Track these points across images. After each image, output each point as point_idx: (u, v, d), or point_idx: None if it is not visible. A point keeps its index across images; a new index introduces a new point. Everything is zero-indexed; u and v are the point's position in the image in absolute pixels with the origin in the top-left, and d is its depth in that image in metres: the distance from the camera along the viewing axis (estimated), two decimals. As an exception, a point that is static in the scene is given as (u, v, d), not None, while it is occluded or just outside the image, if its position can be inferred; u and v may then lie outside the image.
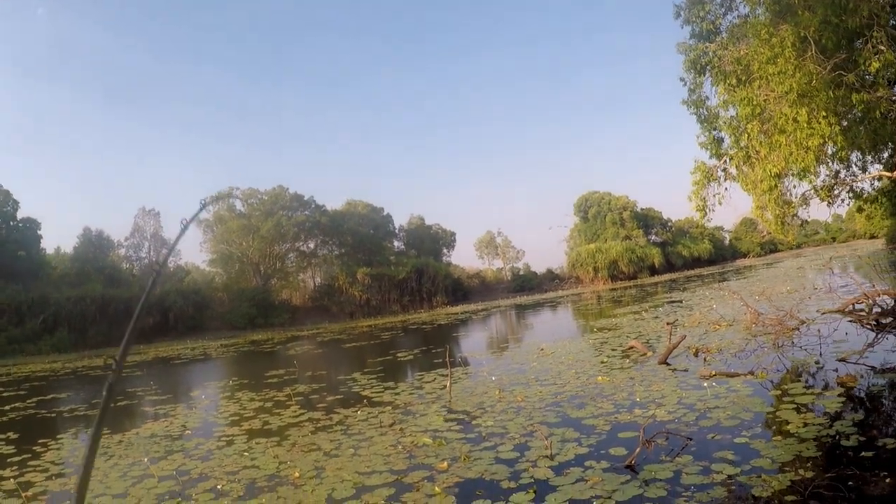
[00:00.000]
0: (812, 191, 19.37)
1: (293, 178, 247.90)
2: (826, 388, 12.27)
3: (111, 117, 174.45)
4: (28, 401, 24.63)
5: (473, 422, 13.30)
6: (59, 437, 16.56)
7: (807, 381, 13.17)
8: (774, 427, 10.08)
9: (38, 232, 76.37)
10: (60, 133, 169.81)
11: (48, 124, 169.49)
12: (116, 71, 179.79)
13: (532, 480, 8.96)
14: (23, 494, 10.69)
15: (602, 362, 19.38)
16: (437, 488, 9.03)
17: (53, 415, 20.95)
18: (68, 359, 51.44)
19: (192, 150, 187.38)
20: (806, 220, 20.95)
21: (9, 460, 13.86)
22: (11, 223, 73.39)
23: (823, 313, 21.25)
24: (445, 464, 10.23)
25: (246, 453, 12.54)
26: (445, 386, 17.41)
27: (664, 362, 17.67)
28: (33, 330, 62.26)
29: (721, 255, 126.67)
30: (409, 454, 11.14)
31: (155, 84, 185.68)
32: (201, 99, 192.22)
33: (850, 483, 7.25)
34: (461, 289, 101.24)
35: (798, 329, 19.28)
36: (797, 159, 15.65)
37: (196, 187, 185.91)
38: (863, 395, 11.73)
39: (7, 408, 22.84)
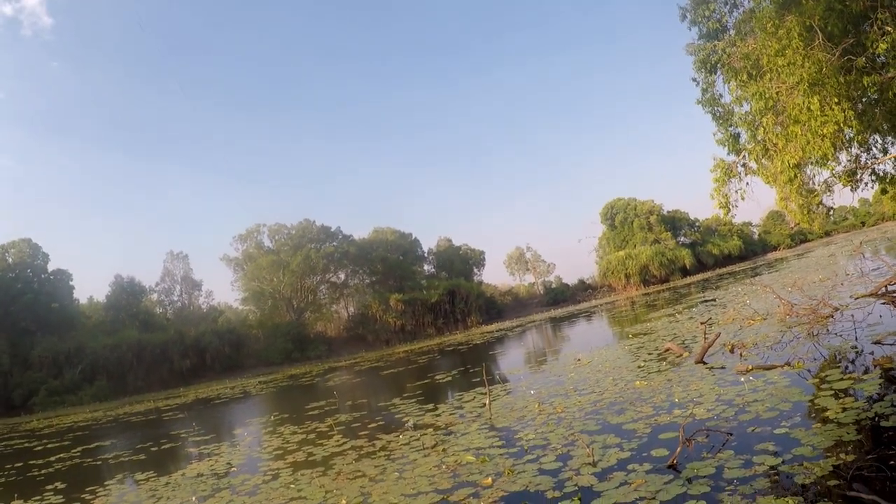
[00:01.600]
0: (834, 177, 19.27)
1: (318, 211, 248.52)
2: (864, 371, 12.25)
3: (130, 164, 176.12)
4: (73, 451, 24.94)
5: (515, 436, 13.40)
6: (106, 484, 16.77)
7: (844, 367, 13.14)
8: (814, 415, 10.11)
9: (70, 283, 77.43)
10: (83, 184, 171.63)
11: (70, 176, 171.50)
12: (135, 119, 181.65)
13: (576, 488, 9.05)
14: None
15: (639, 367, 19.38)
16: (483, 504, 9.13)
17: (99, 462, 21.19)
18: (109, 407, 52.06)
19: (216, 191, 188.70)
20: (831, 207, 20.81)
21: (59, 510, 14.10)
22: (43, 276, 74.41)
23: (857, 298, 21.17)
24: (490, 479, 10.32)
25: (292, 485, 12.69)
26: (485, 404, 17.51)
27: (701, 361, 17.65)
28: (72, 380, 62.75)
29: (751, 250, 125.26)
30: (454, 473, 11.24)
31: (175, 128, 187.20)
32: (221, 139, 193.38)
33: (892, 463, 7.27)
34: (494, 307, 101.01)
35: (832, 316, 19.20)
36: (814, 148, 15.61)
37: (222, 227, 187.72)
38: (901, 375, 11.67)
39: (53, 458, 23.16)
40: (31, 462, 22.91)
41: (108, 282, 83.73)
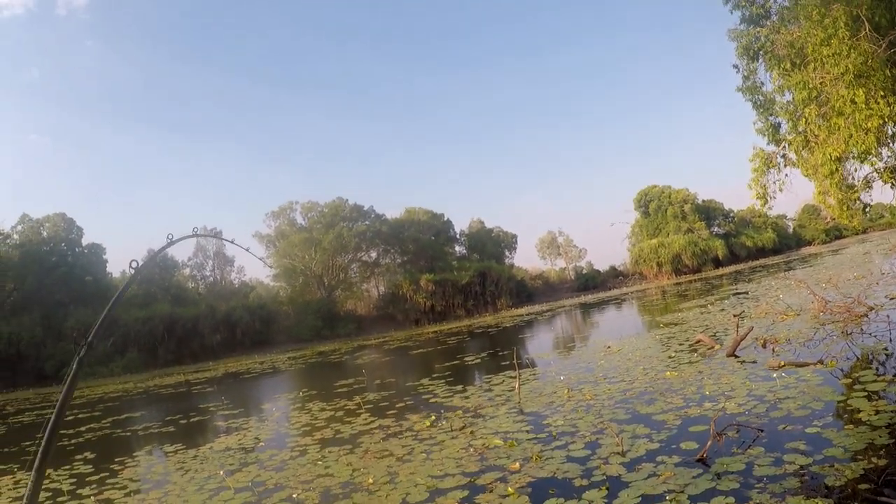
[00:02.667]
0: (875, 173, 18.98)
1: (350, 191, 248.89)
2: (895, 375, 12.06)
3: (165, 141, 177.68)
4: (103, 421, 25.28)
5: (543, 422, 13.38)
6: (135, 454, 17.00)
7: (877, 369, 12.93)
8: (846, 416, 9.98)
9: (104, 256, 78.62)
10: (117, 160, 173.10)
11: (105, 152, 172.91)
12: (167, 96, 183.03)
13: (604, 477, 9.03)
14: (103, 512, 11.04)
15: (670, 357, 19.29)
16: (510, 489, 9.14)
17: (128, 434, 21.44)
18: (140, 379, 52.72)
19: (250, 168, 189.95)
20: (869, 204, 20.54)
21: (87, 479, 14.30)
22: (77, 250, 75.65)
23: (892, 298, 20.92)
24: (517, 464, 10.34)
25: (319, 462, 12.78)
26: (514, 388, 17.50)
27: (732, 355, 17.53)
28: (104, 352, 63.48)
29: (785, 243, 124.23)
30: (481, 456, 11.27)
31: (206, 107, 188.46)
32: (255, 117, 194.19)
33: (924, 471, 7.18)
34: (525, 290, 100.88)
35: (867, 315, 18.97)
36: (857, 142, 15.39)
37: (254, 204, 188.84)
38: (936, 381, 11.48)
39: (83, 429, 23.45)
40: (62, 432, 23.02)
41: (141, 256, 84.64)
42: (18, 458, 18.07)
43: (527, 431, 12.74)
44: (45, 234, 74.71)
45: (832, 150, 16.82)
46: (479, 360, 29.10)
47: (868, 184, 19.49)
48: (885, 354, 14.17)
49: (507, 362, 23.44)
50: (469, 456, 11.42)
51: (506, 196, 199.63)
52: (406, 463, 11.64)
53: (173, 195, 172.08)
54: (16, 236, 74.64)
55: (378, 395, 21.39)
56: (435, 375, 24.69)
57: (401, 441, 13.65)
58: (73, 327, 63.93)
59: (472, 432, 13.41)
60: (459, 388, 20.26)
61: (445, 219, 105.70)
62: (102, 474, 14.61)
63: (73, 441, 20.67)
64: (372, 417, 17.18)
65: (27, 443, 21.24)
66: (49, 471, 15.46)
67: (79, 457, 17.30)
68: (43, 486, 13.76)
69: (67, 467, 15.85)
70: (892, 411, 9.59)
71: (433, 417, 14.73)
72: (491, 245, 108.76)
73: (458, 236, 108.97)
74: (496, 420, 14.32)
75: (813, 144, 18.28)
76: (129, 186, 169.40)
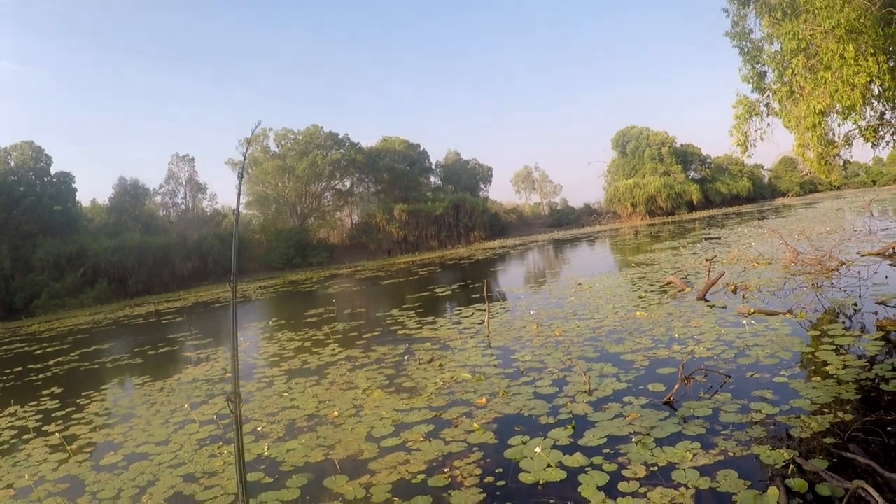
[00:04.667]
0: (856, 130, 18.89)
1: (327, 119, 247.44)
2: (864, 330, 12.04)
3: (138, 69, 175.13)
4: (71, 354, 25.04)
5: (512, 356, 13.43)
6: (102, 388, 16.83)
7: (845, 323, 12.94)
8: (813, 368, 9.98)
9: (73, 185, 77.05)
10: (89, 87, 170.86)
11: (76, 80, 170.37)
12: (142, 22, 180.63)
13: (570, 416, 9.03)
14: (68, 448, 10.89)
15: (640, 297, 19.37)
16: (475, 424, 9.12)
17: (96, 366, 21.20)
18: (110, 309, 52.49)
19: (223, 97, 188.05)
20: (848, 161, 20.51)
21: (53, 415, 14.12)
22: (46, 178, 74.19)
23: (863, 255, 20.96)
24: (484, 399, 10.34)
25: (285, 394, 12.78)
26: (484, 321, 17.51)
27: (702, 298, 17.60)
28: (74, 283, 63.31)
29: (760, 193, 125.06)
30: (449, 390, 11.26)
31: (181, 34, 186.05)
32: (229, 46, 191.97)
33: (889, 428, 7.15)
34: (498, 224, 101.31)
35: (837, 270, 19.03)
36: (843, 97, 15.26)
37: (229, 131, 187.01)
38: (902, 339, 11.52)
39: (51, 362, 23.21)
40: (30, 366, 22.96)
41: (112, 184, 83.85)
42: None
43: (495, 366, 12.79)
44: (12, 163, 73.14)
45: (817, 103, 16.70)
46: (449, 292, 29.20)
47: (849, 141, 19.43)
48: (854, 309, 14.16)
49: (478, 295, 23.58)
50: (437, 389, 11.41)
51: (483, 128, 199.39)
52: (372, 395, 11.63)
53: (144, 122, 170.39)
54: (-18, 166, 73.13)
55: (347, 326, 21.44)
56: (405, 306, 24.81)
57: (367, 373, 13.64)
58: (42, 259, 63.39)
59: (440, 365, 13.42)
60: (429, 319, 20.36)
61: (421, 149, 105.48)
62: (69, 409, 14.47)
63: (40, 376, 20.41)
64: (340, 348, 17.22)
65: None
66: (16, 408, 15.35)
67: (46, 392, 17.12)
68: (9, 425, 13.69)
69: (34, 403, 15.68)
70: (859, 367, 9.61)
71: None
72: (466, 177, 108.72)
73: (433, 167, 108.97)
74: (465, 353, 14.37)
75: (798, 96, 18.12)
76: (98, 113, 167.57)
